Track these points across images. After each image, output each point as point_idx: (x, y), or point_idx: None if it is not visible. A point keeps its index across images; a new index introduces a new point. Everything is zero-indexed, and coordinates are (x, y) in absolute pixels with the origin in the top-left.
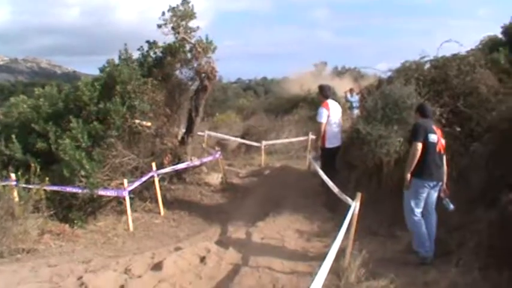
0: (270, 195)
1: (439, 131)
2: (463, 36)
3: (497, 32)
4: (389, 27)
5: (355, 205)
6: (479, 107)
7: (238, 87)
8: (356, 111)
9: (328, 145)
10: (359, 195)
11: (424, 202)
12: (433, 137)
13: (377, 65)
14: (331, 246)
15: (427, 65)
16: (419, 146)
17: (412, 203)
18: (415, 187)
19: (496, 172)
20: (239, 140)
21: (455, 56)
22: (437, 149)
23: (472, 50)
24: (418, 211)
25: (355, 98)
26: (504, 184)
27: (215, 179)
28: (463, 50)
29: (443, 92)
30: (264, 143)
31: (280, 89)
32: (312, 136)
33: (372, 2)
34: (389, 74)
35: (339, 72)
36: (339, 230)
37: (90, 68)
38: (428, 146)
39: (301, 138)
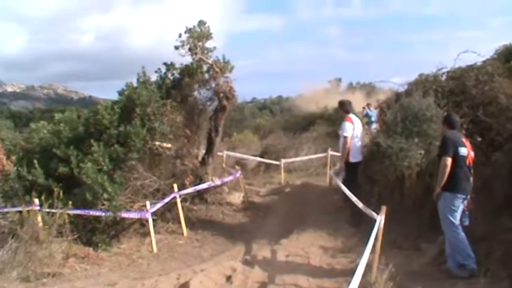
0: (292, 212)
1: (468, 143)
2: (474, 47)
3: None
4: (401, 41)
5: (380, 219)
6: (499, 116)
7: (253, 107)
8: (374, 126)
9: (352, 159)
10: (384, 208)
11: None
12: (463, 150)
13: (391, 79)
14: (358, 261)
15: (444, 77)
16: (449, 161)
17: (450, 217)
18: (449, 201)
19: None
20: (258, 159)
21: (472, 66)
22: (467, 162)
23: (487, 59)
24: (457, 224)
25: (373, 113)
26: None
27: (236, 198)
28: (478, 60)
29: (463, 103)
30: (283, 161)
31: (295, 107)
32: (331, 152)
33: (382, 17)
34: (405, 87)
35: (354, 88)
36: (366, 245)
37: (106, 92)
38: (458, 160)
39: (320, 155)
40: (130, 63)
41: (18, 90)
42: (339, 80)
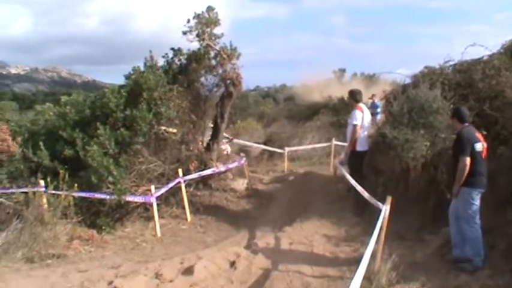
0: (296, 200)
1: (480, 136)
2: (480, 41)
3: None
4: (406, 33)
5: (385, 209)
6: (505, 110)
7: (257, 95)
8: (379, 117)
9: (359, 148)
10: (389, 198)
11: None
12: (479, 146)
13: (396, 70)
14: (364, 251)
15: (451, 69)
16: (468, 160)
17: (471, 212)
18: (470, 197)
19: None
20: (262, 146)
21: (479, 60)
22: (483, 156)
23: (494, 54)
24: (477, 219)
25: (379, 103)
26: None
27: (240, 185)
28: (485, 54)
29: (469, 96)
30: (287, 149)
31: (299, 96)
32: (335, 142)
33: (388, 8)
34: (409, 79)
35: (357, 79)
36: (369, 234)
37: (110, 76)
38: (475, 156)
39: (324, 144)
40: (135, 48)
41: (22, 73)
42: (343, 70)
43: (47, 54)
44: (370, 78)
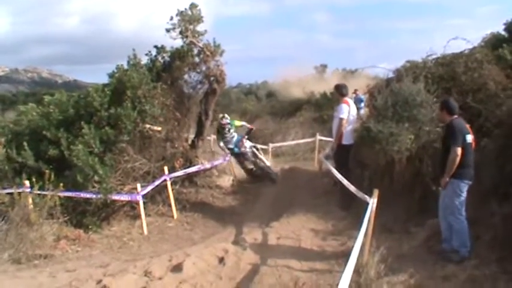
0: (282, 196)
1: (469, 128)
2: (462, 35)
3: (500, 29)
4: (387, 28)
5: (372, 202)
6: (488, 103)
7: (239, 92)
8: (362, 111)
9: (344, 142)
10: (376, 191)
11: None
12: (469, 138)
13: (379, 65)
14: (353, 244)
15: (433, 63)
16: (459, 151)
17: (458, 204)
18: (458, 188)
19: (507, 167)
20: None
21: (462, 53)
22: (472, 148)
23: (475, 47)
24: (463, 210)
25: (363, 98)
26: None
27: (226, 181)
28: (467, 48)
29: (452, 89)
30: (271, 145)
31: (281, 92)
32: (319, 137)
33: (369, 4)
34: (392, 73)
35: (336, 74)
36: (357, 228)
37: (91, 76)
38: (466, 147)
39: (308, 140)
40: (116, 47)
41: (1, 74)
42: (325, 66)
43: (26, 55)
44: (352, 73)
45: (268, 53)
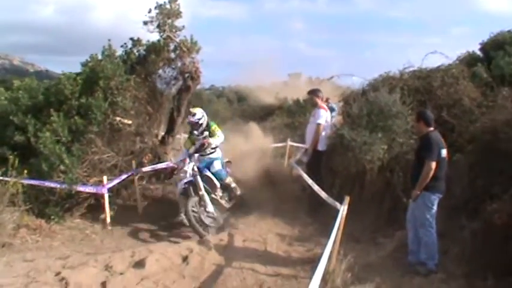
0: (250, 199)
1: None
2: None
3: (475, 49)
4: (364, 41)
5: (343, 209)
6: (462, 118)
7: (211, 94)
8: (334, 120)
9: (319, 148)
10: (347, 198)
11: None
12: (444, 152)
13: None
14: (320, 250)
15: (410, 75)
16: (433, 165)
17: (429, 217)
18: (429, 201)
19: (477, 182)
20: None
21: (439, 68)
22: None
23: (450, 64)
24: (434, 223)
25: (335, 106)
26: (486, 194)
27: None
28: (444, 63)
29: (427, 102)
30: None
31: (253, 97)
32: (290, 143)
33: (347, 15)
34: (369, 82)
35: (312, 82)
36: (329, 234)
37: (64, 67)
38: (440, 162)
39: (279, 145)
40: (91, 40)
41: None
42: (299, 74)
43: (1, 41)
44: (328, 80)
45: (243, 57)
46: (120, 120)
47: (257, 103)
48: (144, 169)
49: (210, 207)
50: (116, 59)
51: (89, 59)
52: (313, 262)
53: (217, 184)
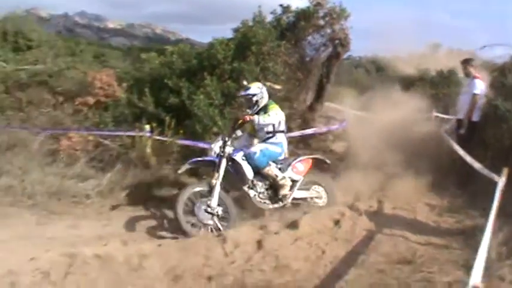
0: (397, 168)
1: None
2: None
3: None
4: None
5: (502, 180)
6: None
7: (349, 64)
8: None
9: (474, 118)
10: (505, 170)
11: None
12: None
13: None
14: (486, 223)
15: None
16: None
17: None
18: None
19: None
20: (358, 113)
21: None
22: None
23: None
24: None
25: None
26: None
27: (340, 147)
28: None
29: None
30: None
31: (393, 68)
32: (435, 114)
33: None
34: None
35: (453, 54)
36: (491, 205)
37: (204, 37)
38: None
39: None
40: (234, 8)
41: (118, 27)
42: (438, 44)
43: (145, 11)
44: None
45: (378, 26)
46: (270, 85)
47: (396, 74)
48: (292, 134)
49: (214, 202)
50: (266, 25)
51: (240, 25)
52: (464, 233)
53: (249, 175)
